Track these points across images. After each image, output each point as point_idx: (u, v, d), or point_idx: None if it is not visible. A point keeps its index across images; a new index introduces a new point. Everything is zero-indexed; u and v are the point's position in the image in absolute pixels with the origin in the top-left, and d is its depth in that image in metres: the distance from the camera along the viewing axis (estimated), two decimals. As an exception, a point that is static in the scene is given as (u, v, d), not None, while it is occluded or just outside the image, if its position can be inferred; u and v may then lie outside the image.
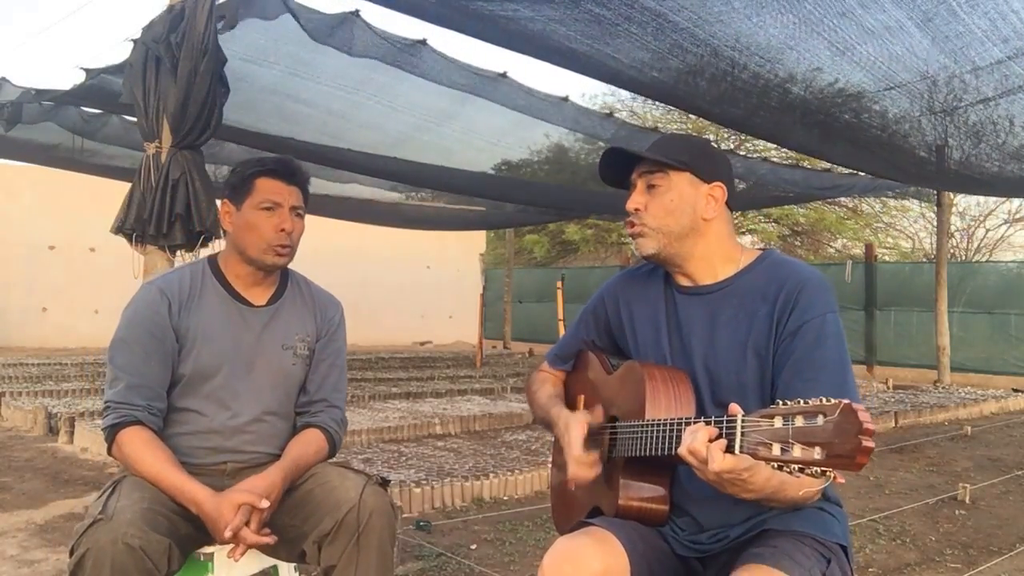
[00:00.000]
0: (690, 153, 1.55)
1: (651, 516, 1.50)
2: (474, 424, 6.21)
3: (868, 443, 1.01)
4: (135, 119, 4.20)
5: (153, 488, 1.69)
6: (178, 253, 4.00)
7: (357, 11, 4.34)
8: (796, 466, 1.07)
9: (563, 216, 13.32)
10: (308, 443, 1.91)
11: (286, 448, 1.90)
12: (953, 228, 17.20)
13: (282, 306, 1.98)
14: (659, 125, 15.62)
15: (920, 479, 4.98)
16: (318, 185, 8.55)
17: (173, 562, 1.59)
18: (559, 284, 9.79)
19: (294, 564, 1.96)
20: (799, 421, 1.08)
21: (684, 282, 1.60)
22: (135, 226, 3.91)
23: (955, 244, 18.34)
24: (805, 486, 1.14)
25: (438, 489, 4.00)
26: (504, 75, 5.36)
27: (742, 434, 1.16)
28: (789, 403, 1.11)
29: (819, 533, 1.41)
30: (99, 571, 1.49)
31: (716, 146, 1.67)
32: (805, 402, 1.09)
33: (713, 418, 1.24)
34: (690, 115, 15.20)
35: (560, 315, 9.56)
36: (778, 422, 1.10)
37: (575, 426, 1.55)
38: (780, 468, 1.09)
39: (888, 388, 9.60)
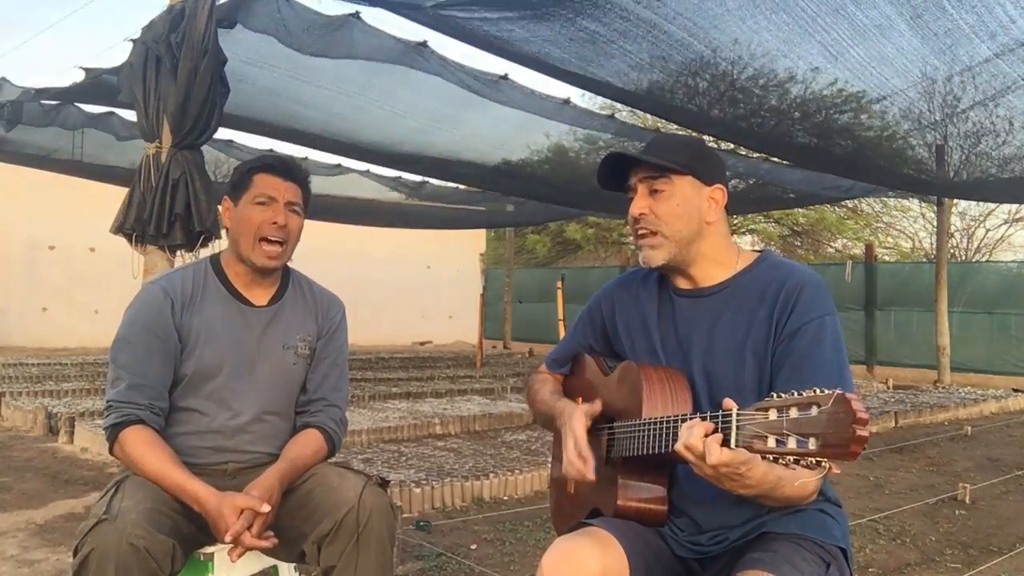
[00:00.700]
0: (690, 155, 1.54)
1: (650, 517, 1.50)
2: (474, 424, 6.21)
3: (862, 432, 1.02)
4: (135, 119, 4.20)
5: (156, 488, 1.69)
6: (178, 253, 4.00)
7: (357, 13, 4.34)
8: (791, 457, 1.07)
9: (565, 214, 13.31)
10: (307, 444, 1.91)
11: (284, 449, 1.90)
12: (953, 228, 17.21)
13: (283, 306, 1.99)
14: (659, 125, 15.62)
15: (920, 479, 4.98)
16: (319, 185, 8.56)
17: (176, 562, 1.59)
18: (559, 284, 9.79)
19: (294, 564, 1.96)
20: (793, 412, 1.08)
21: (683, 284, 1.60)
22: (135, 226, 3.91)
23: (955, 244, 18.35)
24: (801, 477, 1.14)
25: (438, 489, 4.00)
26: (505, 77, 5.36)
27: (737, 428, 1.16)
28: (783, 395, 1.11)
29: (818, 536, 1.41)
30: (103, 571, 1.49)
31: (715, 145, 1.66)
32: (799, 394, 1.09)
33: (708, 413, 1.24)
34: (690, 115, 15.19)
35: (560, 315, 9.56)
36: (772, 414, 1.10)
37: (578, 417, 1.54)
38: (776, 460, 1.09)
39: (888, 388, 9.60)
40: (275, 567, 1.96)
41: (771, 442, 1.09)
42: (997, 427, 7.23)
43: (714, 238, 1.56)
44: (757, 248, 1.69)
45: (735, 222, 15.88)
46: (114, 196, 4.63)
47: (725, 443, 1.18)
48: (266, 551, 1.78)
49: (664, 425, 1.36)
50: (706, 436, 1.21)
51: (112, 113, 6.57)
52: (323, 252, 13.55)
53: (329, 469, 1.90)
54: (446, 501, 4.00)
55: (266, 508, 1.68)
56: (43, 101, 6.17)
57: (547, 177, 8.08)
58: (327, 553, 1.73)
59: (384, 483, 1.85)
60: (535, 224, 16.04)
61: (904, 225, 19.24)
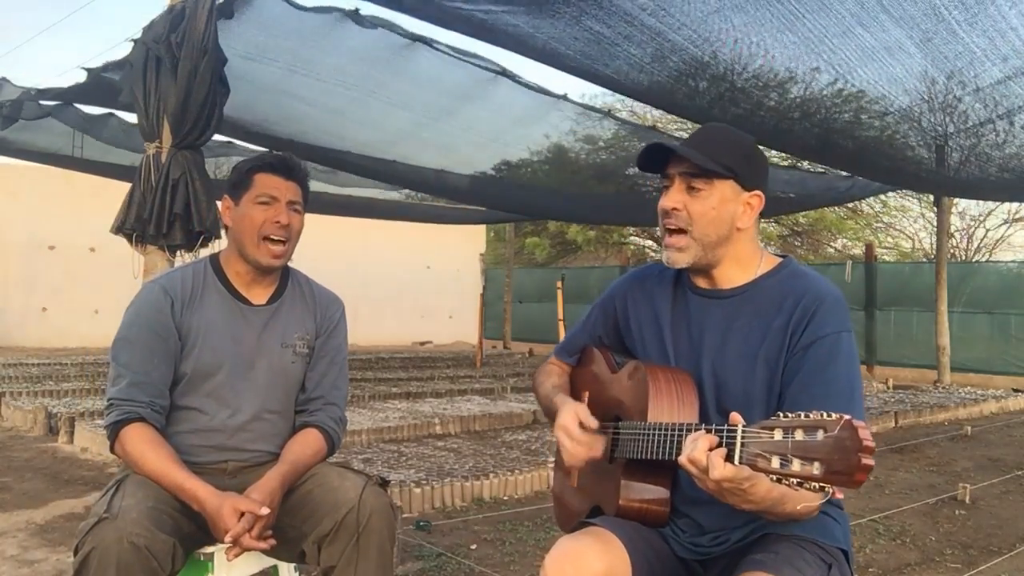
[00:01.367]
0: (737, 157, 1.49)
1: (651, 517, 1.50)
2: (474, 424, 6.21)
3: (868, 461, 1.00)
4: (135, 119, 4.20)
5: (157, 487, 1.70)
6: (178, 253, 4.00)
7: (357, 10, 4.35)
8: (795, 480, 1.05)
9: (565, 220, 13.32)
10: (306, 444, 1.91)
11: (284, 450, 1.90)
12: (953, 228, 17.20)
13: (282, 305, 1.99)
14: (658, 124, 15.63)
15: (920, 479, 4.98)
16: (318, 185, 8.55)
17: (176, 561, 1.60)
18: (559, 284, 9.79)
19: (294, 564, 1.96)
20: (799, 435, 1.06)
21: (702, 283, 1.57)
22: (135, 226, 3.91)
23: (955, 244, 18.34)
24: (804, 500, 1.12)
25: (438, 489, 4.00)
26: (503, 71, 5.36)
27: (742, 444, 1.15)
28: (790, 415, 1.09)
29: (820, 538, 1.41)
30: (104, 570, 1.49)
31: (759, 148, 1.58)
32: (806, 415, 1.07)
33: (714, 427, 1.22)
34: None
35: (560, 315, 9.55)
36: (778, 434, 1.09)
37: (568, 413, 1.55)
38: (779, 481, 1.08)
39: (888, 388, 9.60)
40: (275, 567, 1.96)
41: (775, 462, 1.08)
42: (997, 427, 7.23)
43: (742, 243, 1.52)
44: (779, 253, 1.65)
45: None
46: (114, 196, 4.63)
47: (728, 458, 1.17)
48: (266, 551, 1.78)
49: (669, 433, 1.36)
50: (710, 450, 1.20)
51: (112, 114, 6.57)
52: (323, 252, 13.55)
53: (329, 469, 1.90)
54: (446, 501, 4.00)
55: (266, 511, 1.68)
56: (43, 102, 6.16)
57: (546, 192, 8.07)
58: (327, 553, 1.73)
59: (384, 483, 1.86)
60: (536, 220, 16.01)
61: (904, 225, 19.24)
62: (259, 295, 1.97)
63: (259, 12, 4.32)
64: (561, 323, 9.42)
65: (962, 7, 3.34)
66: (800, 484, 1.05)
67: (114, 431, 1.77)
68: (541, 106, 6.05)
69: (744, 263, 1.53)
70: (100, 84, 5.31)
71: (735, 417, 1.18)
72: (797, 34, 3.58)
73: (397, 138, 6.62)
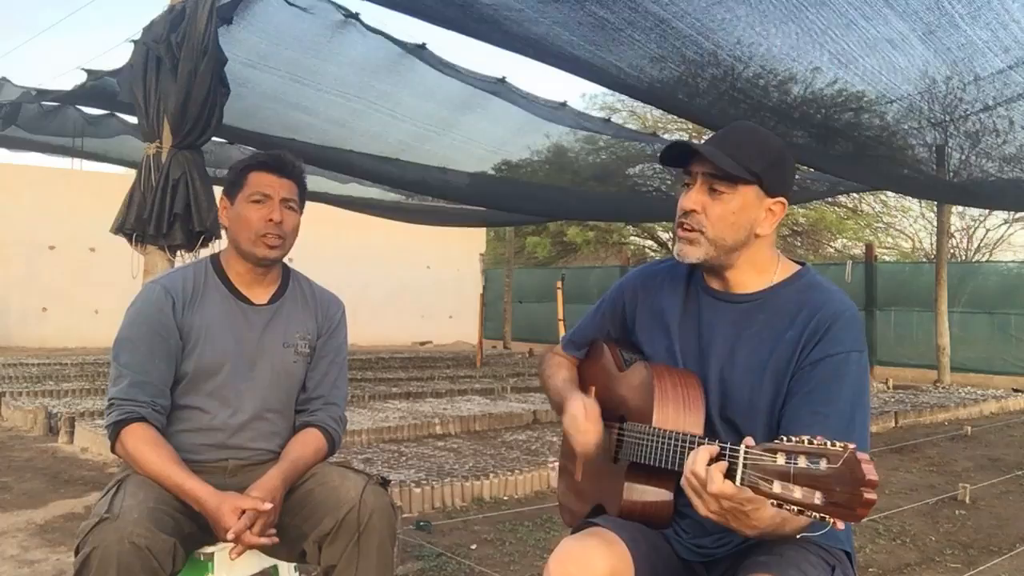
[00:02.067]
0: (765, 162, 1.43)
1: (654, 518, 1.49)
2: (474, 424, 6.21)
3: (870, 496, 0.98)
4: (135, 119, 4.20)
5: (157, 487, 1.70)
6: (178, 253, 4.00)
7: (357, 14, 4.34)
8: (795, 508, 1.03)
9: (565, 218, 13.32)
10: (306, 444, 1.91)
11: (285, 450, 1.90)
12: (953, 228, 17.20)
13: (283, 304, 1.99)
14: (659, 125, 15.63)
15: (920, 479, 4.98)
16: (318, 184, 8.55)
17: (177, 561, 1.60)
18: (559, 284, 9.79)
19: (294, 564, 1.96)
20: (802, 461, 1.04)
21: (715, 284, 1.54)
22: (135, 226, 3.91)
23: (955, 244, 18.36)
24: (804, 526, 1.11)
25: (438, 489, 4.00)
26: (503, 80, 5.36)
27: (744, 465, 1.12)
28: (794, 439, 1.07)
29: (823, 540, 1.40)
30: (105, 570, 1.49)
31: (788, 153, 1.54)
32: (810, 441, 1.05)
33: (718, 443, 1.21)
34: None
35: (560, 315, 9.55)
36: (781, 459, 1.06)
37: (576, 403, 1.56)
38: (780, 506, 1.06)
39: (888, 388, 9.60)
40: (275, 567, 1.96)
41: (776, 487, 1.05)
42: (997, 427, 7.23)
43: (760, 248, 1.49)
44: (797, 260, 1.62)
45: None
46: (114, 196, 4.63)
47: (730, 477, 1.15)
48: (266, 550, 1.78)
49: (673, 442, 1.35)
50: (710, 463, 1.18)
51: (112, 115, 6.57)
52: (323, 252, 13.57)
53: (330, 469, 1.90)
54: (446, 501, 4.00)
55: (267, 506, 1.68)
56: (43, 103, 6.17)
57: (547, 191, 8.08)
58: (328, 552, 1.73)
59: (385, 483, 1.86)
60: (535, 223, 16.02)
61: (904, 225, 19.26)
62: (260, 295, 1.97)
63: (259, 18, 4.32)
64: (561, 323, 9.42)
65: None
66: (800, 512, 1.03)
67: (115, 431, 1.77)
68: (540, 116, 6.06)
69: (760, 269, 1.50)
70: (100, 86, 5.32)
71: (748, 440, 1.15)
72: (800, 24, 3.58)
73: (398, 150, 6.63)
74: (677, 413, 1.43)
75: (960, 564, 3.34)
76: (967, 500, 4.36)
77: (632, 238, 18.65)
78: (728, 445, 1.18)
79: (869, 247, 12.70)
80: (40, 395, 6.86)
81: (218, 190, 2.18)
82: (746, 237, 1.46)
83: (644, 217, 12.62)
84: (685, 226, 1.47)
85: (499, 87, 5.42)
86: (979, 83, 4.23)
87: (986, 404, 8.29)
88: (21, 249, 12.11)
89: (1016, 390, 9.41)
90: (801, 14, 3.47)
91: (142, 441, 1.74)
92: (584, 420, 1.53)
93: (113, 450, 1.80)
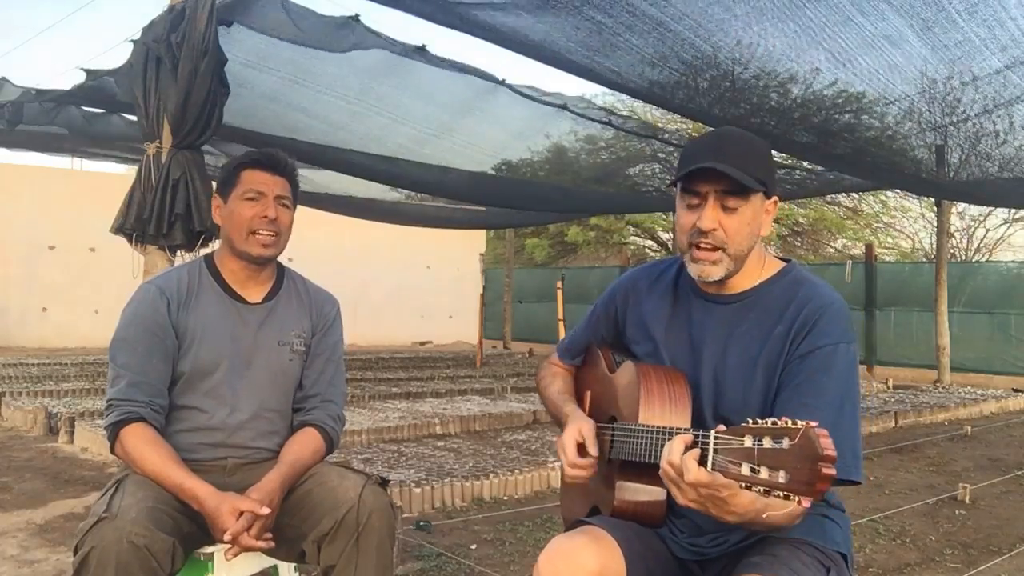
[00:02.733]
0: (764, 167, 1.46)
1: (648, 518, 1.49)
2: (474, 424, 6.21)
3: (828, 471, 0.98)
4: (135, 118, 4.20)
5: (157, 487, 1.70)
6: (178, 253, 4.00)
7: (357, 16, 4.34)
8: (762, 488, 1.04)
9: (564, 217, 13.32)
10: (305, 444, 1.91)
11: (283, 451, 1.90)
12: (953, 228, 17.21)
13: (278, 303, 2.00)
14: (659, 125, 15.62)
15: (920, 479, 4.98)
16: (319, 184, 8.55)
17: (176, 561, 1.60)
18: (559, 284, 9.79)
19: (294, 564, 1.96)
20: (767, 442, 1.05)
21: (710, 289, 1.54)
22: (135, 226, 3.91)
23: (955, 244, 18.36)
24: (783, 509, 1.11)
25: (438, 489, 4.00)
26: (503, 81, 5.36)
27: (715, 451, 1.13)
28: (760, 422, 1.08)
29: (819, 541, 1.41)
30: (103, 569, 1.49)
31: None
32: (774, 422, 1.06)
33: (691, 432, 1.22)
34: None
35: (560, 315, 9.55)
36: (748, 440, 1.07)
37: (571, 432, 1.56)
38: (748, 488, 1.07)
39: (888, 388, 9.60)
40: (275, 567, 1.96)
41: (744, 469, 1.06)
42: (997, 427, 7.23)
43: (757, 249, 1.51)
44: (782, 256, 1.62)
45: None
46: (114, 196, 4.63)
47: (702, 463, 1.16)
48: (266, 551, 1.78)
49: (656, 436, 1.36)
50: (685, 451, 1.19)
51: (112, 113, 6.57)
52: (323, 252, 13.60)
53: (329, 468, 1.90)
54: (446, 501, 4.00)
55: (265, 511, 1.68)
56: (44, 103, 6.17)
57: (547, 188, 8.08)
58: (327, 552, 1.74)
59: (384, 482, 1.86)
60: (535, 224, 16.02)
61: (904, 225, 19.26)
62: (255, 293, 1.98)
63: (258, 19, 4.31)
64: (561, 323, 9.42)
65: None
66: (767, 492, 1.04)
67: (114, 432, 1.77)
68: (541, 118, 6.05)
69: (750, 267, 1.52)
70: (100, 86, 5.32)
71: (719, 427, 1.16)
72: (798, 23, 3.58)
73: (399, 153, 6.62)
74: (663, 409, 1.45)
75: (960, 564, 3.34)
76: (967, 500, 4.36)
77: (632, 238, 18.66)
78: (700, 433, 1.19)
79: (869, 247, 12.70)
80: (40, 395, 6.86)
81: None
82: (755, 241, 1.48)
83: (643, 208, 12.61)
84: (703, 246, 1.45)
85: (499, 86, 5.41)
86: (977, 84, 4.22)
87: (986, 404, 8.29)
88: (21, 249, 12.11)
89: (1016, 390, 9.41)
90: (799, 11, 3.47)
91: (141, 441, 1.74)
92: (573, 453, 1.53)
93: (113, 451, 1.80)
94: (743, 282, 1.52)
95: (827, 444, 0.99)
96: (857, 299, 11.70)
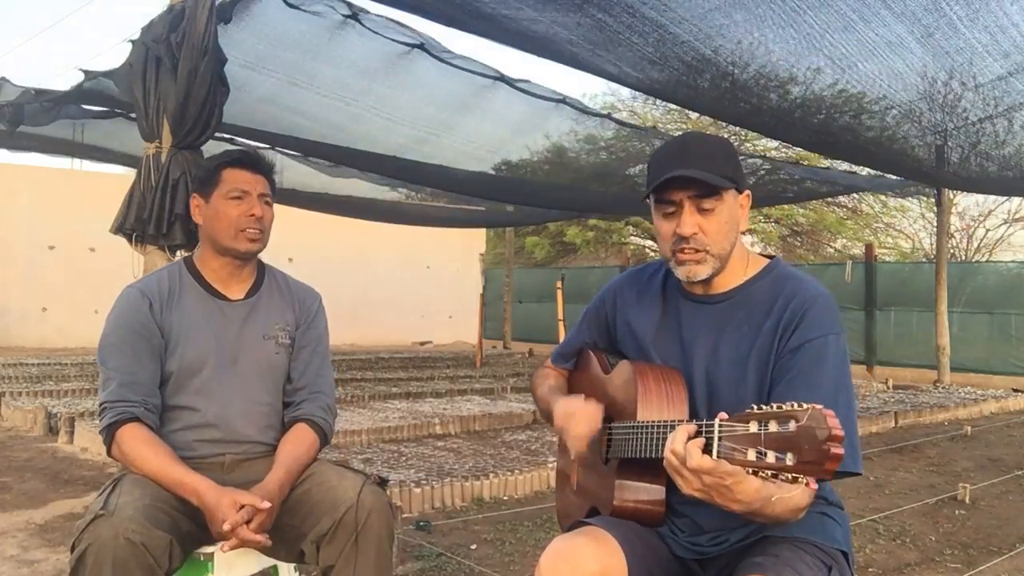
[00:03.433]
0: (730, 163, 1.48)
1: (647, 517, 1.49)
2: (474, 424, 6.21)
3: (837, 450, 1.00)
4: (135, 118, 4.20)
5: (154, 485, 1.70)
6: (178, 253, 4.00)
7: (355, 14, 4.34)
8: (770, 472, 1.05)
9: (564, 216, 13.32)
10: (298, 442, 1.92)
11: (278, 452, 1.90)
12: (953, 228, 17.20)
13: (260, 298, 2.02)
14: (658, 125, 15.63)
15: (920, 479, 4.98)
16: (318, 184, 8.55)
17: (174, 559, 1.60)
18: (559, 284, 9.79)
19: (293, 564, 1.96)
20: (773, 426, 1.06)
21: (697, 290, 1.55)
22: (135, 226, 3.91)
23: (955, 244, 18.35)
24: (788, 493, 1.11)
25: (438, 489, 4.00)
26: (501, 78, 5.35)
27: (719, 438, 1.14)
28: (764, 407, 1.09)
29: (820, 540, 1.41)
30: (100, 566, 1.49)
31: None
32: (778, 406, 1.07)
33: (694, 421, 1.22)
34: (690, 115, 15.23)
35: (560, 315, 9.55)
36: (753, 426, 1.08)
37: (567, 398, 1.58)
38: (756, 473, 1.08)
39: (888, 388, 9.60)
40: (275, 567, 1.96)
41: (751, 455, 1.07)
42: (997, 427, 7.23)
43: (739, 246, 1.53)
44: (765, 253, 1.64)
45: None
46: (114, 196, 4.63)
47: (707, 451, 1.16)
48: (265, 551, 1.78)
49: (657, 430, 1.36)
50: (688, 440, 1.19)
51: (112, 112, 6.57)
52: (324, 252, 13.60)
53: (328, 468, 1.90)
54: (446, 501, 4.00)
55: (266, 504, 1.69)
56: (45, 102, 6.17)
57: (546, 180, 8.09)
58: (326, 552, 1.73)
59: (383, 482, 1.86)
60: (535, 223, 16.02)
61: (904, 225, 19.25)
62: (236, 291, 1.99)
63: (257, 19, 4.31)
64: (561, 323, 9.42)
65: (963, 2, 3.34)
66: (776, 476, 1.05)
67: (109, 433, 1.77)
68: (540, 113, 6.05)
69: (735, 265, 1.53)
70: (99, 86, 5.32)
71: (721, 415, 1.17)
72: (798, 30, 3.58)
73: (398, 153, 6.62)
74: (661, 407, 1.45)
75: (960, 564, 3.34)
76: (967, 500, 4.35)
77: (632, 238, 18.66)
78: (704, 422, 1.19)
79: (869, 247, 12.70)
80: (40, 395, 6.86)
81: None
82: (736, 237, 1.50)
83: (644, 209, 12.62)
84: (687, 250, 1.47)
85: (498, 82, 5.41)
86: (979, 90, 4.22)
87: (986, 404, 8.29)
88: (21, 249, 12.11)
89: (1016, 390, 9.41)
90: (799, 18, 3.47)
91: (138, 441, 1.75)
92: (575, 409, 1.54)
93: (110, 453, 1.80)
94: (729, 281, 1.53)
95: (834, 424, 1.01)
96: (857, 299, 11.70)
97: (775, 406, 1.08)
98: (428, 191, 10.13)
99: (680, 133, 1.69)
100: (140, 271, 3.94)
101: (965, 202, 17.56)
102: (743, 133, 13.24)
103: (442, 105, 5.72)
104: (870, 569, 3.24)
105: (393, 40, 4.70)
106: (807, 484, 1.03)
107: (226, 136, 6.36)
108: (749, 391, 1.45)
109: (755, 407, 1.10)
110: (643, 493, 1.48)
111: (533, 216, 12.34)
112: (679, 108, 15.35)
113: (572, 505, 1.71)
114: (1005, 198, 16.54)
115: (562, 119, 6.34)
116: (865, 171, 9.07)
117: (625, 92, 16.78)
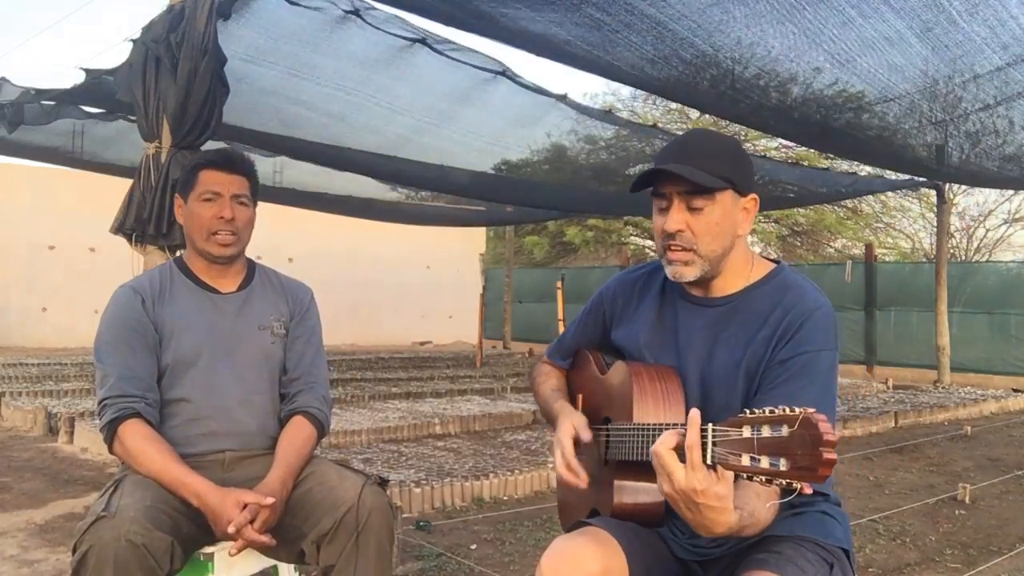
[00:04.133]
0: (731, 164, 1.45)
1: (647, 518, 1.49)
2: (474, 424, 6.21)
3: (829, 455, 1.00)
4: (135, 119, 4.20)
5: (156, 486, 1.70)
6: (178, 253, 4.00)
7: (356, 9, 4.34)
8: (763, 477, 1.05)
9: (564, 215, 13.33)
10: (296, 436, 1.92)
11: (277, 449, 1.90)
12: (953, 228, 17.19)
13: (253, 291, 2.04)
14: (659, 124, 15.63)
15: (920, 479, 4.98)
16: (318, 184, 8.54)
17: (175, 560, 1.60)
18: (559, 284, 9.79)
19: (294, 564, 1.96)
20: (765, 431, 1.06)
21: (696, 292, 1.54)
22: (135, 226, 3.91)
23: (955, 244, 18.34)
24: (772, 498, 1.12)
25: (438, 489, 4.00)
26: (503, 72, 5.35)
27: (713, 443, 1.13)
28: (756, 412, 1.08)
29: (821, 538, 1.41)
30: (102, 568, 1.49)
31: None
32: (771, 411, 1.07)
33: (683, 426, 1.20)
34: (691, 115, 15.23)
35: (560, 315, 9.56)
36: (746, 431, 1.08)
37: (564, 427, 1.55)
38: (750, 478, 1.07)
39: (888, 388, 9.60)
40: (275, 567, 1.96)
41: (745, 460, 1.07)
42: (997, 427, 7.23)
43: (739, 249, 1.50)
44: (771, 258, 1.62)
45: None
46: (114, 196, 4.63)
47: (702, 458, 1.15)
48: (265, 551, 1.78)
49: (654, 433, 1.35)
50: (675, 448, 1.16)
51: (112, 113, 6.57)
52: (323, 252, 13.60)
53: (328, 468, 1.90)
54: (446, 501, 4.00)
55: (270, 500, 1.69)
56: (44, 102, 6.16)
57: (546, 186, 8.08)
58: (326, 552, 1.73)
59: (383, 482, 1.86)
60: (535, 221, 16.00)
61: (904, 225, 19.24)
62: (228, 284, 2.01)
63: (257, 14, 4.31)
64: (561, 323, 9.43)
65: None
66: (770, 481, 1.05)
67: (111, 429, 1.77)
68: (541, 106, 6.04)
69: (737, 269, 1.51)
70: (99, 86, 5.31)
71: (693, 413, 1.15)
72: (797, 25, 3.59)
73: (398, 144, 6.62)
74: (657, 407, 1.45)
75: (960, 564, 3.34)
76: (967, 500, 4.35)
77: (632, 238, 18.65)
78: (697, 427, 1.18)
79: (869, 247, 12.70)
80: (40, 395, 6.85)
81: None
82: (731, 241, 1.47)
83: (644, 209, 12.62)
84: (674, 248, 1.46)
85: (499, 76, 5.40)
86: (978, 81, 4.22)
87: (986, 404, 8.29)
88: (21, 249, 12.11)
89: (1016, 390, 9.41)
90: (799, 13, 3.47)
91: (140, 438, 1.75)
92: (569, 447, 1.52)
93: (111, 450, 1.80)
94: (730, 285, 1.51)
95: (827, 428, 1.01)
96: (857, 299, 11.70)
97: (767, 410, 1.07)
98: (427, 191, 10.13)
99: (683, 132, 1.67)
100: (140, 271, 3.93)
101: (965, 202, 17.57)
102: (744, 132, 13.24)
103: (442, 96, 5.71)
104: (870, 569, 3.24)
105: (394, 35, 4.70)
106: (802, 489, 1.03)
107: (226, 139, 6.38)
108: (738, 398, 1.45)
109: (747, 412, 1.09)
110: (642, 494, 1.48)
111: (533, 214, 12.33)
112: (679, 108, 15.36)
113: (573, 505, 1.70)
114: (1005, 199, 16.56)
115: (562, 117, 6.33)
116: (865, 171, 9.08)
117: (625, 92, 16.80)
